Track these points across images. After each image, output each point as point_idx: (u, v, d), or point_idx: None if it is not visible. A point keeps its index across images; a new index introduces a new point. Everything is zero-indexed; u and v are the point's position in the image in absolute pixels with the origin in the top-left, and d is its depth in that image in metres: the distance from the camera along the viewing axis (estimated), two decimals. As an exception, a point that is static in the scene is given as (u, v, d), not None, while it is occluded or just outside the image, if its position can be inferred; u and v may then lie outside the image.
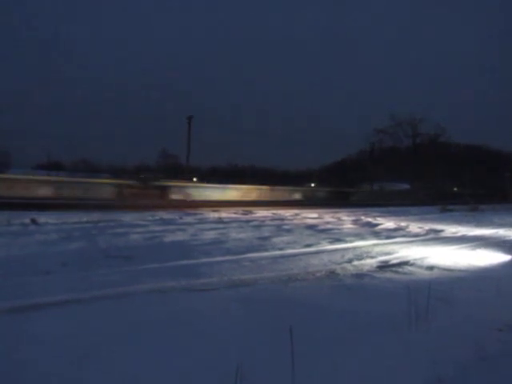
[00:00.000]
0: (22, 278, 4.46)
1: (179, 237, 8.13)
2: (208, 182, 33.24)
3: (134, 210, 14.57)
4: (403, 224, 12.72)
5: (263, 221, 12.28)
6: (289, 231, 9.83)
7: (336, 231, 10.21)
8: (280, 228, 10.42)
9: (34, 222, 9.47)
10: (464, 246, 8.37)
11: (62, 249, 6.43)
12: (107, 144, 77.93)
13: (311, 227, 10.87)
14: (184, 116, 37.38)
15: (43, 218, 10.13)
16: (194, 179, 38.59)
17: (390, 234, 10.15)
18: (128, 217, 11.65)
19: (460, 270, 5.82)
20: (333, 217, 14.83)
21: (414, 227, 11.92)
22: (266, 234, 8.96)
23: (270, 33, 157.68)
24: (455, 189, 51.99)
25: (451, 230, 11.64)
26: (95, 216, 11.42)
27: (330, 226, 11.25)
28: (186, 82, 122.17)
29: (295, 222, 12.52)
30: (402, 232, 10.71)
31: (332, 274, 5.35)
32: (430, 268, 5.95)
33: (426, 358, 2.66)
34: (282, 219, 13.22)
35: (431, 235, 10.26)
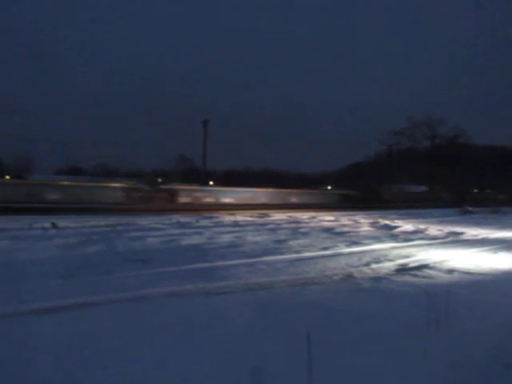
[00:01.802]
0: (43, 281, 4.55)
1: (195, 240, 8.16)
2: (223, 185, 33.29)
3: (151, 213, 14.72)
4: (422, 226, 12.52)
5: (279, 224, 12.25)
6: (305, 234, 9.77)
7: (353, 234, 10.11)
8: (296, 231, 10.37)
9: (54, 225, 9.66)
10: (485, 248, 8.18)
11: (81, 252, 6.53)
12: (125, 148, 78.95)
13: (328, 230, 10.80)
14: (200, 119, 37.46)
15: (63, 221, 10.33)
16: (210, 183, 38.79)
17: (408, 236, 10.00)
18: (145, 220, 11.78)
19: (481, 274, 5.68)
20: (349, 219, 14.70)
21: (433, 230, 11.72)
22: (282, 237, 8.93)
23: (286, 34, 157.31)
24: (475, 191, 50.93)
25: (472, 232, 11.40)
26: (112, 219, 11.59)
27: (346, 229, 11.15)
28: (202, 85, 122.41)
29: (311, 224, 12.45)
30: (420, 235, 10.53)
31: (349, 277, 5.29)
32: (450, 271, 5.82)
33: (445, 364, 2.59)
34: (298, 222, 13.16)
35: (451, 238, 10.06)
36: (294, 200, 29.31)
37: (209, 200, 25.66)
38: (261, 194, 28.45)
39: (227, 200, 26.07)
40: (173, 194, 25.11)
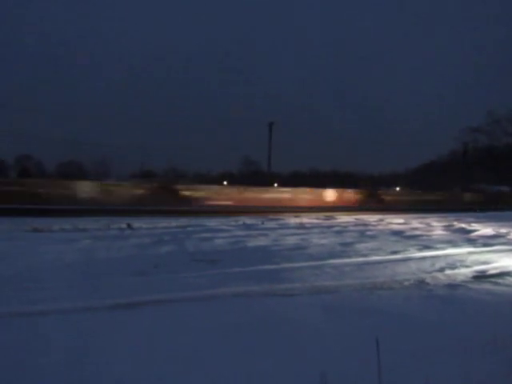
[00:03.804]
0: (119, 278, 4.89)
1: (261, 242, 8.26)
2: (287, 186, 33.18)
3: (216, 214, 15.14)
4: (503, 230, 11.56)
5: (345, 226, 12.00)
6: (373, 237, 9.48)
7: (425, 238, 9.62)
8: (363, 234, 10.09)
9: (129, 226, 10.32)
10: None
11: (153, 252, 6.90)
12: (195, 152, 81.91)
13: (397, 233, 10.37)
14: (266, 122, 37.81)
15: (137, 222, 10.99)
16: (275, 185, 38.99)
17: (487, 241, 9.29)
18: (212, 222, 12.15)
19: None
20: (421, 222, 14.00)
21: (517, 234, 10.78)
22: (349, 240, 8.74)
23: (348, 32, 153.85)
24: None
25: (563, 237, 10.32)
26: (182, 221, 12.10)
27: (417, 232, 10.63)
28: (269, 86, 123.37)
29: (379, 227, 12.04)
30: (501, 239, 9.74)
31: (421, 283, 5.04)
32: (537, 280, 5.32)
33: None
34: (366, 225, 12.79)
35: (538, 243, 9.19)
36: (361, 202, 28.46)
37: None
38: (325, 195, 28.01)
39: (289, 200, 25.85)
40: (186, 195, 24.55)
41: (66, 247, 7.06)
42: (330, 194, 28.21)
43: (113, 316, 3.48)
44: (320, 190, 28.36)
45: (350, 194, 29.38)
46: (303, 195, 27.06)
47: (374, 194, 31.36)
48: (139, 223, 10.95)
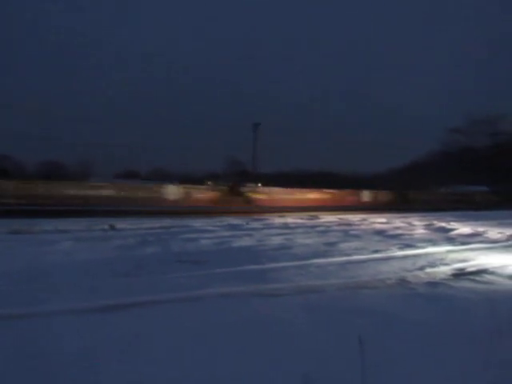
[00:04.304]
0: (103, 281, 4.85)
1: (246, 242, 8.29)
2: (271, 187, 33.27)
3: (201, 215, 15.10)
4: (481, 229, 11.87)
5: (329, 226, 12.14)
6: (356, 237, 9.61)
7: (406, 237, 9.80)
8: (347, 233, 10.23)
9: (112, 227, 10.21)
10: (553, 253, 7.63)
11: (137, 253, 6.86)
12: (178, 152, 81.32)
13: (380, 232, 10.54)
14: (250, 122, 37.83)
15: (120, 223, 10.89)
16: (259, 185, 39.02)
17: (465, 239, 9.53)
18: (197, 222, 12.12)
19: (549, 281, 5.32)
20: (403, 222, 14.25)
21: (494, 233, 11.08)
22: (333, 240, 8.85)
23: (327, 34, 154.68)
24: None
25: (538, 235, 10.65)
26: (166, 222, 12.04)
27: (399, 232, 10.83)
28: (251, 86, 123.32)
29: (362, 227, 12.22)
30: (479, 238, 10.00)
31: (403, 281, 5.16)
32: (514, 277, 5.51)
33: (509, 378, 2.48)
34: (349, 224, 12.96)
35: (514, 241, 9.48)
36: (344, 201, 28.77)
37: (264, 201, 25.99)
38: (311, 196, 28.24)
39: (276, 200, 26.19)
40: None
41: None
42: (315, 194, 28.46)
43: (92, 319, 3.46)
44: (303, 190, 28.65)
45: (334, 194, 29.67)
46: (281, 196, 27.43)
47: (358, 193, 31.75)
48: (122, 224, 10.85)
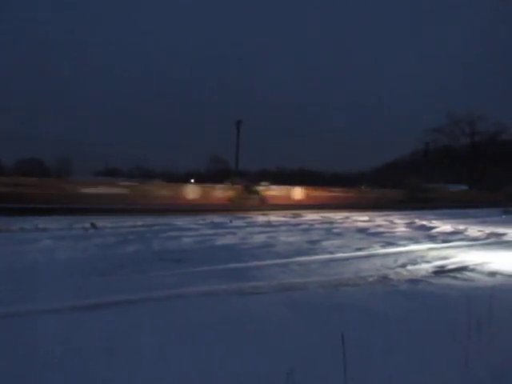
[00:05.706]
0: (82, 280, 4.73)
1: (229, 240, 8.24)
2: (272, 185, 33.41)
3: (184, 213, 14.98)
4: (461, 227, 12.08)
5: (312, 224, 12.17)
6: (339, 235, 9.66)
7: (388, 235, 9.90)
8: (330, 231, 10.27)
9: (93, 226, 10.02)
10: (530, 250, 7.79)
11: (118, 251, 6.74)
12: (160, 150, 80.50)
13: (362, 230, 10.62)
14: (233, 120, 37.59)
15: (102, 222, 10.69)
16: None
17: (446, 237, 9.68)
18: (179, 221, 12.00)
19: (526, 277, 5.42)
20: (385, 220, 14.40)
21: (473, 230, 11.28)
22: (316, 238, 8.87)
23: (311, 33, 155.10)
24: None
25: (515, 233, 10.89)
26: (148, 220, 11.89)
27: (381, 230, 10.93)
28: (236, 84, 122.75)
29: (345, 225, 12.29)
30: (459, 235, 10.17)
31: (385, 279, 5.19)
32: (492, 274, 5.60)
33: (487, 374, 2.49)
34: (332, 222, 13.02)
35: (492, 239, 9.66)
36: (328, 200, 28.96)
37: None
38: (294, 194, 28.35)
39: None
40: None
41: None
42: (297, 192, 28.62)
43: (73, 318, 3.37)
44: (285, 187, 28.89)
45: (315, 192, 29.87)
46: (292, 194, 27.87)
47: (343, 191, 32.05)
48: (104, 222, 10.67)
